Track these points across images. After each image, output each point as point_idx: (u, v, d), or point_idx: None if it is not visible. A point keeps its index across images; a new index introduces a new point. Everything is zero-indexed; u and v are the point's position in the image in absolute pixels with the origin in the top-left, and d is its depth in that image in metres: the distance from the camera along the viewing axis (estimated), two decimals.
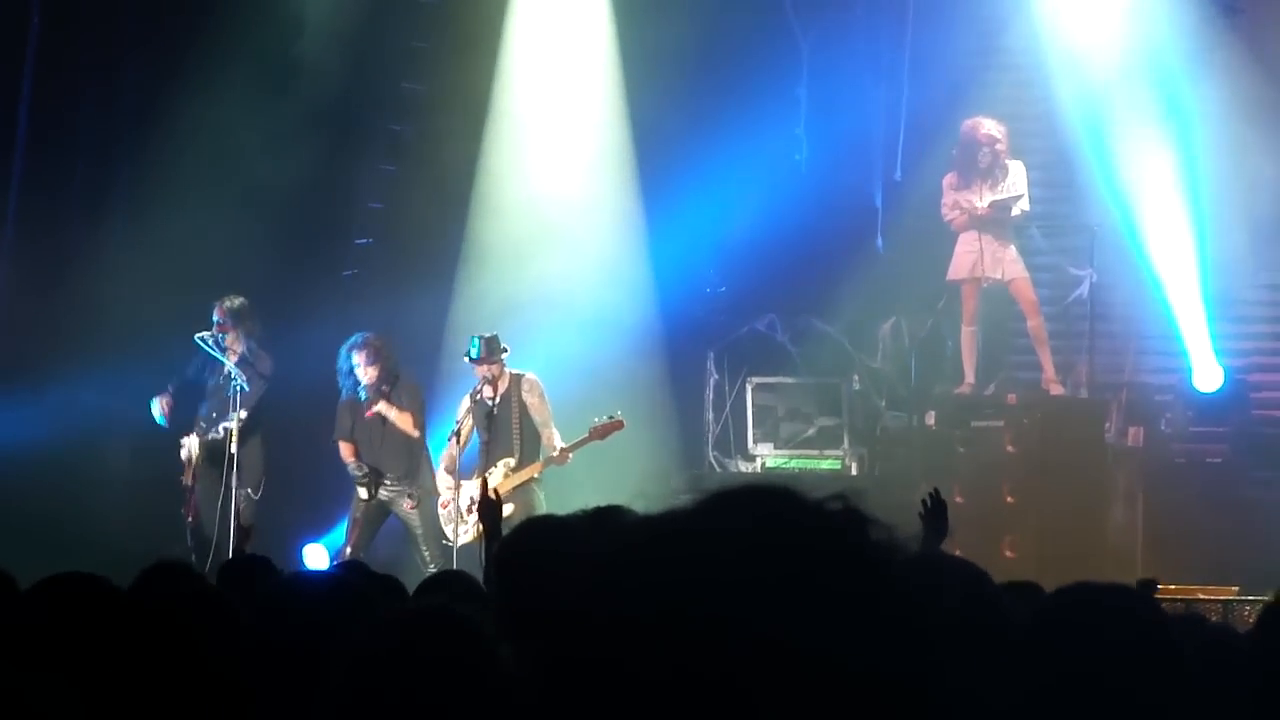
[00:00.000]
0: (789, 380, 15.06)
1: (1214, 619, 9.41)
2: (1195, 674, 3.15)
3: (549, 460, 13.30)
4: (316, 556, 14.02)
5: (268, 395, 13.64)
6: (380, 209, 15.78)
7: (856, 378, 14.93)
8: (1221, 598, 12.09)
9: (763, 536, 1.53)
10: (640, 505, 1.64)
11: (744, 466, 14.81)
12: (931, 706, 1.52)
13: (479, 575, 6.04)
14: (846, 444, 14.80)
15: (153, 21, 15.05)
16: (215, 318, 13.54)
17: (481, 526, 7.61)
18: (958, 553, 8.41)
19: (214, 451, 13.52)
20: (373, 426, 13.57)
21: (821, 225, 14.97)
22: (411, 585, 5.94)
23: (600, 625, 1.52)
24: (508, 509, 10.49)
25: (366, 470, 13.47)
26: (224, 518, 13.23)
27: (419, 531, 13.54)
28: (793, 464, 14.67)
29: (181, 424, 13.72)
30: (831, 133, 15.17)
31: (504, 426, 13.34)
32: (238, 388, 13.37)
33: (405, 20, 15.64)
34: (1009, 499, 14.02)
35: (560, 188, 15.62)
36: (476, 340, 13.40)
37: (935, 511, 6.56)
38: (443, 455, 13.67)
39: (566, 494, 12.31)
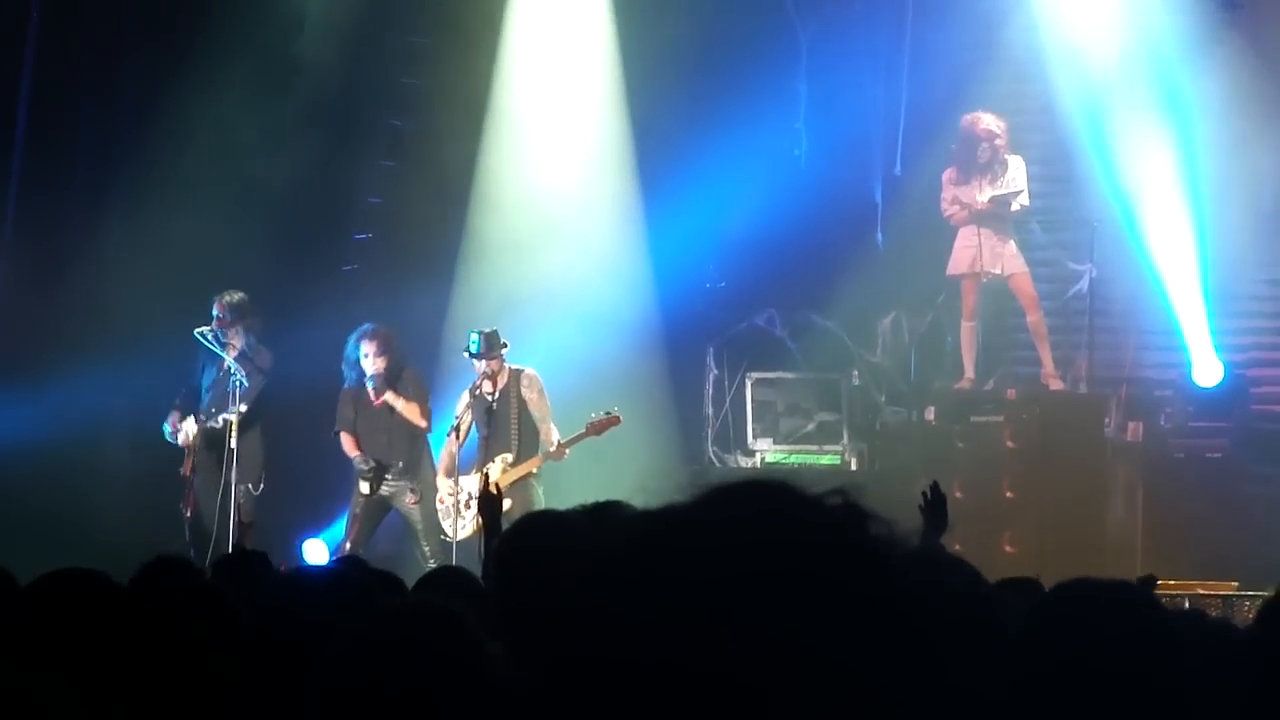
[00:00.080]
0: (788, 375, 15.06)
1: (1213, 614, 9.42)
2: (1195, 669, 3.15)
3: (547, 455, 13.30)
4: (316, 552, 14.02)
5: (267, 390, 13.64)
6: (380, 204, 15.79)
7: (856, 373, 14.93)
8: (1221, 593, 12.10)
9: (761, 532, 1.53)
10: (639, 500, 1.64)
11: (743, 462, 14.81)
12: (931, 700, 1.52)
13: (478, 570, 6.04)
14: (846, 439, 14.80)
15: (152, 19, 15.05)
16: (215, 313, 13.55)
17: (481, 521, 7.60)
18: (957, 548, 8.43)
19: (213, 442, 13.53)
20: (376, 418, 13.56)
21: (821, 220, 14.97)
22: (412, 581, 5.94)
23: (599, 621, 1.52)
24: (506, 504, 10.48)
25: (373, 464, 13.45)
26: (224, 513, 13.23)
27: (420, 527, 13.54)
28: (792, 459, 14.66)
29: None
30: (831, 128, 15.17)
31: (503, 422, 13.34)
32: (237, 383, 13.38)
33: (405, 16, 15.63)
34: (1008, 494, 14.03)
35: (560, 183, 15.62)
36: (476, 335, 13.39)
37: (935, 505, 6.56)
38: (442, 450, 13.66)
39: (565, 489, 12.31)
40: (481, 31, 15.71)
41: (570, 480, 13.00)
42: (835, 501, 1.57)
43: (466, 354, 13.45)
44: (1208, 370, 14.63)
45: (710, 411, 15.16)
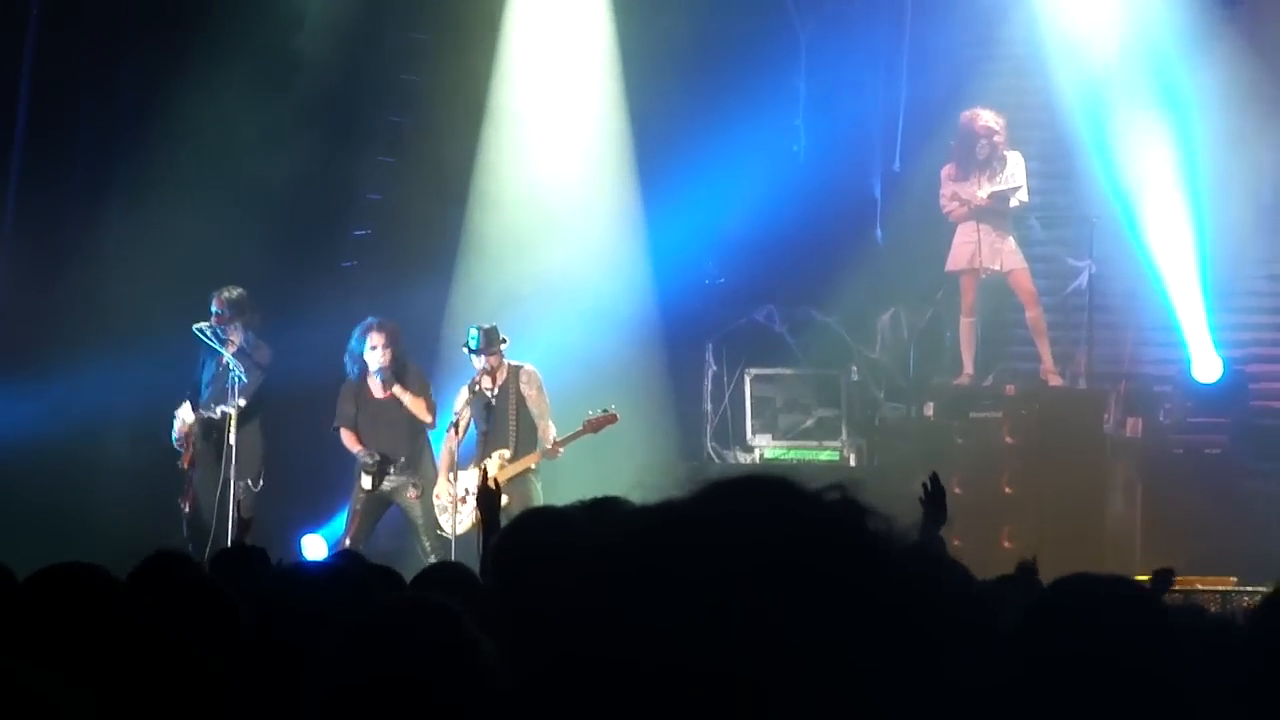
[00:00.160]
0: (787, 371, 15.05)
1: (1213, 609, 9.42)
2: (1194, 664, 3.15)
3: (544, 452, 13.30)
4: (315, 547, 14.01)
5: (266, 386, 13.63)
6: (379, 201, 15.78)
7: (855, 369, 14.92)
8: (1220, 588, 12.11)
9: (760, 527, 1.53)
10: (638, 496, 1.64)
11: (742, 457, 14.81)
12: (929, 696, 1.52)
13: (476, 566, 6.04)
14: (845, 435, 14.80)
15: (152, 16, 15.04)
16: (214, 309, 13.54)
17: (479, 516, 7.61)
18: (956, 543, 8.43)
19: (211, 435, 13.51)
20: (379, 413, 13.55)
21: (820, 216, 14.96)
22: (412, 576, 5.93)
23: (597, 618, 1.52)
24: (503, 500, 10.48)
25: (377, 458, 13.44)
26: (222, 508, 13.22)
27: (420, 522, 13.53)
28: (791, 455, 14.67)
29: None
30: (830, 124, 15.17)
31: (501, 418, 13.33)
32: (236, 378, 13.37)
33: (404, 12, 15.63)
34: (1007, 490, 14.02)
35: (559, 179, 15.61)
36: (476, 331, 13.39)
37: (934, 497, 6.57)
38: (442, 446, 13.65)
39: (564, 485, 12.31)
40: (481, 28, 15.71)
41: (569, 476, 13.00)
42: (834, 497, 1.57)
43: (466, 349, 13.44)
44: (1207, 366, 14.63)
45: (709, 407, 15.15)
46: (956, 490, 12.71)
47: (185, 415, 13.61)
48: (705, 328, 15.30)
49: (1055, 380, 14.65)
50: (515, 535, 4.52)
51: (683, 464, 14.33)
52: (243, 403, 13.38)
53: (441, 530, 13.37)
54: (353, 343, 13.55)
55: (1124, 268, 14.95)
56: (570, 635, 1.55)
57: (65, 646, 3.72)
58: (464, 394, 13.50)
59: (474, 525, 12.69)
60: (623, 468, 12.67)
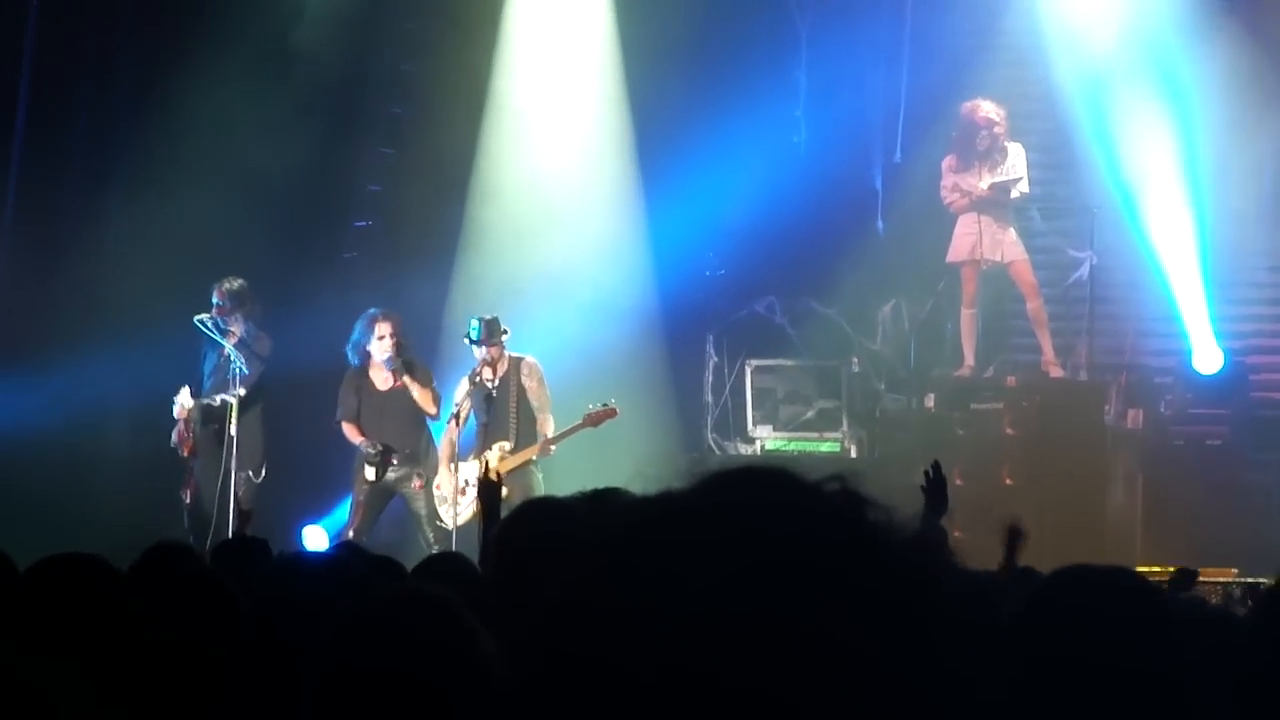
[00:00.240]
0: (788, 363, 15.05)
1: (1213, 601, 9.43)
2: (1194, 655, 3.15)
3: (544, 445, 13.30)
4: (316, 538, 14.01)
5: (267, 377, 13.63)
6: (379, 192, 15.78)
7: (856, 360, 14.92)
8: (1221, 580, 12.10)
9: (760, 518, 1.53)
10: (638, 487, 1.63)
11: (743, 449, 14.81)
12: (928, 688, 1.52)
13: (476, 557, 6.03)
14: (846, 426, 14.80)
15: (151, 7, 15.04)
16: (215, 300, 13.53)
17: (479, 507, 7.61)
18: (957, 534, 8.42)
19: (211, 423, 13.50)
20: (384, 403, 13.53)
21: (821, 208, 14.97)
22: (413, 567, 5.93)
23: (596, 610, 1.52)
24: (504, 491, 10.48)
25: (380, 449, 13.42)
26: (223, 499, 13.22)
27: (423, 513, 13.51)
28: (792, 446, 14.67)
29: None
30: (831, 115, 15.16)
31: (502, 409, 13.33)
32: (237, 369, 13.37)
33: (404, 3, 15.63)
34: (1008, 481, 14.02)
35: (559, 170, 15.61)
36: (477, 322, 13.38)
37: (935, 485, 6.58)
38: (443, 437, 13.65)
39: (565, 476, 12.31)
40: (481, 18, 15.70)
41: (570, 467, 13.00)
42: (834, 488, 1.57)
43: (467, 340, 13.43)
44: (1208, 357, 14.63)
45: (710, 399, 15.16)
46: (958, 482, 12.70)
47: (184, 400, 13.57)
48: (706, 319, 15.30)
49: (1056, 372, 14.65)
50: (516, 525, 4.52)
51: (683, 455, 14.31)
52: (243, 392, 13.37)
53: (441, 521, 13.36)
54: (357, 333, 13.52)
55: (1125, 259, 14.95)
56: (569, 626, 1.54)
57: (65, 637, 3.72)
58: (464, 385, 13.48)
59: (474, 516, 12.69)
60: (623, 459, 12.65)
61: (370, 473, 13.44)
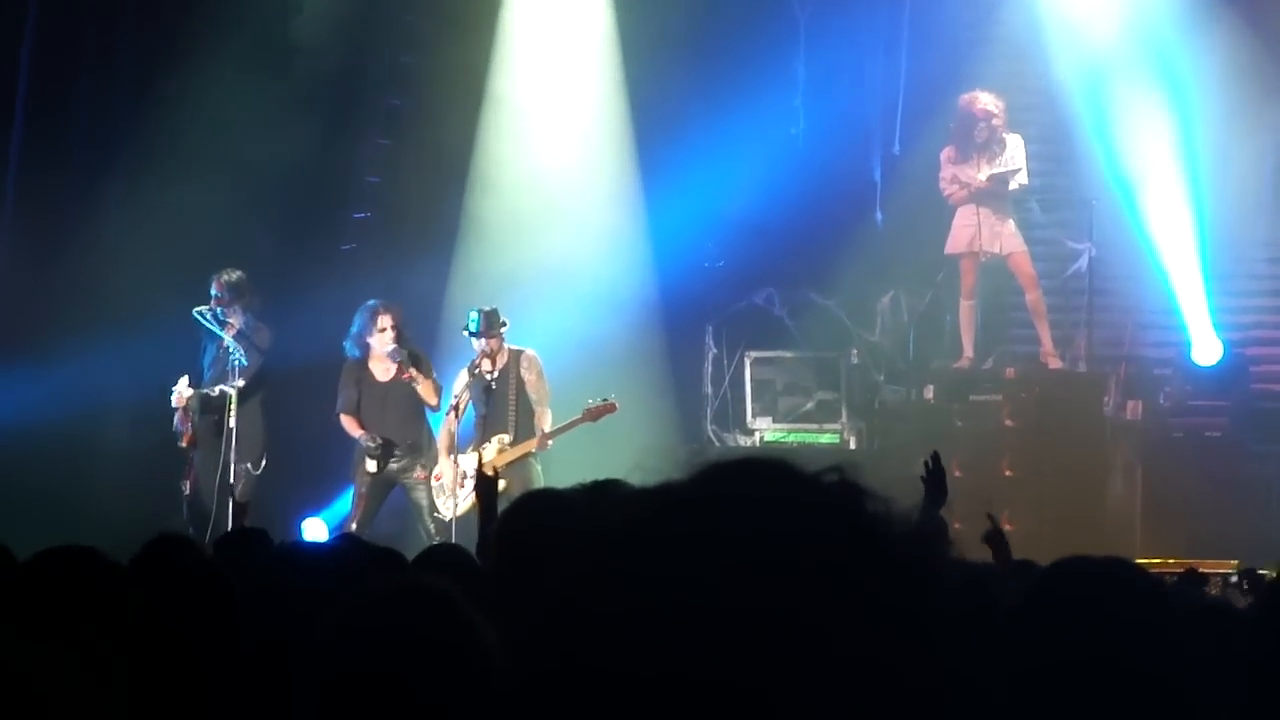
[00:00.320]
0: (787, 354, 15.06)
1: (1213, 592, 9.42)
2: (1194, 647, 3.15)
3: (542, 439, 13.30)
4: (316, 530, 14.01)
5: (267, 369, 13.62)
6: (378, 184, 15.77)
7: (855, 352, 14.93)
8: (1220, 571, 12.10)
9: (758, 509, 1.53)
10: (637, 479, 1.63)
11: (742, 440, 14.82)
12: (929, 680, 1.52)
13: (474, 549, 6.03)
14: (845, 418, 14.81)
15: (150, 2, 15.02)
16: (213, 292, 13.51)
17: (477, 500, 7.62)
18: (957, 526, 8.42)
19: (210, 413, 13.49)
20: (384, 395, 13.51)
21: (820, 199, 14.97)
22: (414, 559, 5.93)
23: (595, 601, 1.52)
24: (502, 484, 10.50)
25: (380, 441, 13.41)
26: (223, 492, 13.20)
27: (424, 504, 13.50)
28: (791, 438, 14.68)
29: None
30: (830, 107, 15.16)
31: (501, 402, 13.31)
32: (236, 361, 13.36)
33: None
34: (1007, 472, 14.04)
35: (559, 162, 15.60)
36: (476, 314, 13.36)
37: (934, 476, 6.58)
38: (441, 429, 13.64)
39: (565, 468, 12.31)
40: (480, 10, 15.69)
41: (570, 459, 12.99)
42: (833, 479, 1.57)
43: (466, 332, 13.42)
44: (1207, 349, 14.63)
45: (709, 390, 15.16)
46: (957, 473, 12.71)
47: (182, 389, 13.54)
48: (705, 311, 15.30)
49: (1055, 363, 14.66)
50: (516, 517, 4.52)
51: (683, 447, 14.33)
52: (242, 384, 13.36)
53: (439, 513, 13.35)
54: (357, 325, 13.48)
55: (1124, 250, 14.96)
56: (569, 621, 1.54)
57: (63, 627, 3.72)
58: (463, 377, 13.47)
59: (472, 507, 12.68)
60: (623, 450, 12.66)
61: (371, 465, 13.43)
